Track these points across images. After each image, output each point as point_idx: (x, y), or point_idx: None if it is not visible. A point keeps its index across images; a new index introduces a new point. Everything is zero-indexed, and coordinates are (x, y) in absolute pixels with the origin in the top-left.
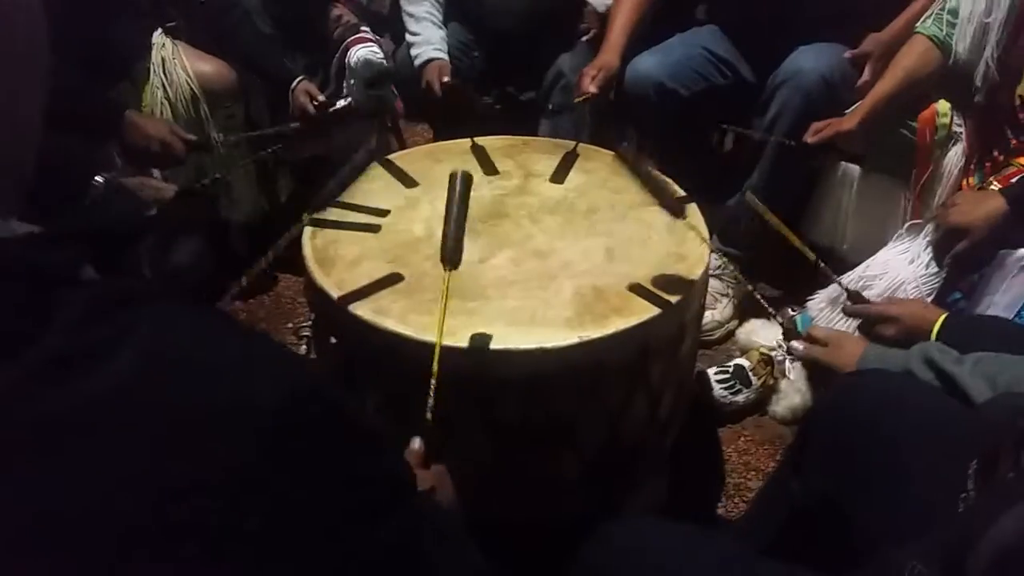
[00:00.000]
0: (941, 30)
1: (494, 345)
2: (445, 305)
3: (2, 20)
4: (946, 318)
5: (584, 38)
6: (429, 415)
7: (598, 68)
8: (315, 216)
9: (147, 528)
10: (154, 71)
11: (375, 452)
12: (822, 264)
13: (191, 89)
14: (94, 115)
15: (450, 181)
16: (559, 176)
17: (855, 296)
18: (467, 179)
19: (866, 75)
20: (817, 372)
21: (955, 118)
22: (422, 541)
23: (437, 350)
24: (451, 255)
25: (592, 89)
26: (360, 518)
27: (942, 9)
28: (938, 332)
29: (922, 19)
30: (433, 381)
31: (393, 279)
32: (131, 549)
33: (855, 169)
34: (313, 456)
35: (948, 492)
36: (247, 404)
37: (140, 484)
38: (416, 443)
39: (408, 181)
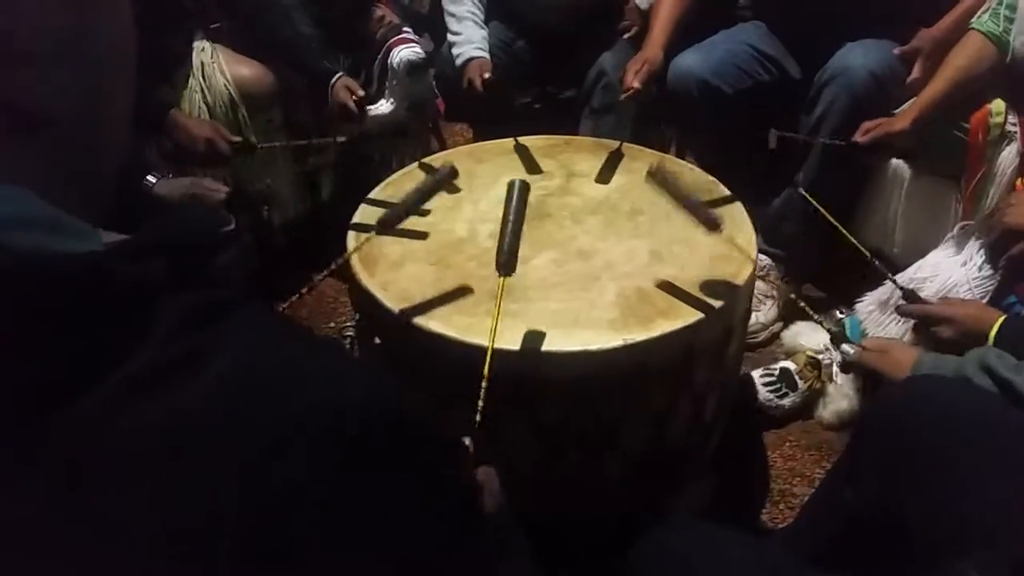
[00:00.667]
0: (998, 25)
1: (537, 347)
2: (499, 311)
3: (103, 24)
4: (1004, 321)
5: (626, 36)
6: (478, 416)
7: (642, 63)
8: (359, 222)
9: (244, 532)
10: (193, 75)
11: (454, 461)
12: (875, 261)
13: (229, 94)
14: (145, 115)
15: (508, 189)
16: (604, 176)
17: (910, 295)
18: (524, 188)
19: (916, 72)
20: (868, 380)
21: (1010, 117)
22: (489, 547)
23: (489, 354)
24: (506, 261)
25: (636, 84)
26: (439, 523)
27: (999, 4)
28: (996, 335)
29: (977, 15)
30: (484, 383)
31: (462, 292)
32: (230, 553)
33: (905, 170)
34: (396, 464)
35: (1007, 512)
36: (338, 412)
37: (235, 491)
38: (465, 444)
39: (451, 184)
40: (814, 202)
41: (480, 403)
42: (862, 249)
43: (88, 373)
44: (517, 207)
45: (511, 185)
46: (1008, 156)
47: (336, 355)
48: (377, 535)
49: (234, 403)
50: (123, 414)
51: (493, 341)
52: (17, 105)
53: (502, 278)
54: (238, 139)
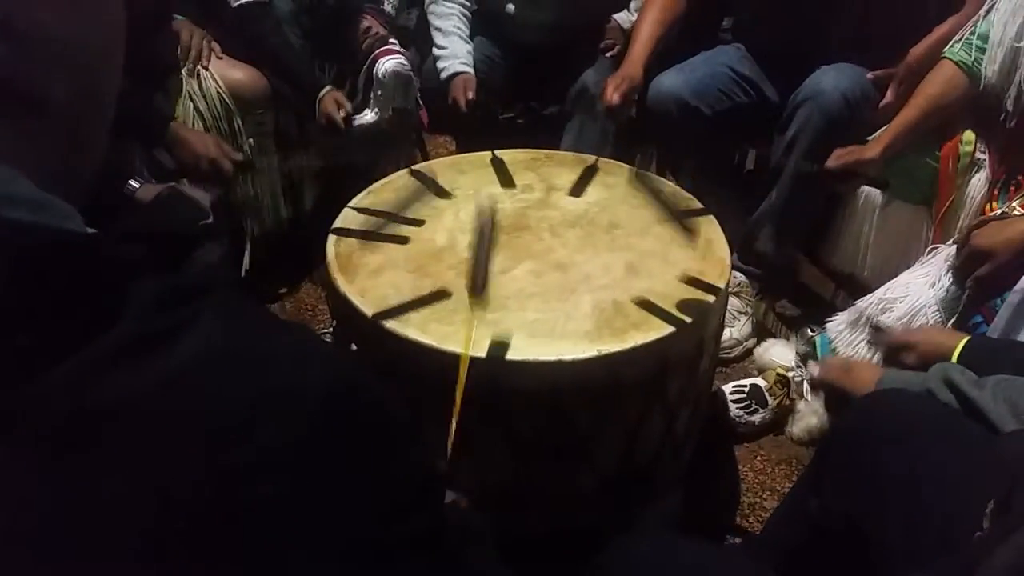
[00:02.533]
0: (970, 55)
1: (513, 356)
2: (471, 334)
3: (97, 16)
4: (967, 341)
5: (608, 54)
6: (453, 424)
7: (621, 79)
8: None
9: (206, 503)
10: (186, 82)
11: (415, 444)
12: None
13: (222, 100)
14: (145, 128)
15: (478, 210)
16: (578, 189)
17: (877, 328)
18: (491, 214)
19: (889, 96)
20: (832, 397)
21: (979, 146)
22: (452, 537)
23: (464, 363)
24: (479, 284)
25: (615, 98)
26: (399, 507)
27: (971, 34)
28: (959, 355)
29: (950, 44)
30: (459, 393)
31: (437, 296)
32: (191, 522)
33: (877, 195)
34: (359, 443)
35: (964, 523)
36: (299, 389)
37: (200, 462)
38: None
39: (435, 190)
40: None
41: (455, 411)
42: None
43: (59, 347)
44: (487, 239)
45: (481, 212)
46: (977, 183)
47: (304, 338)
48: (336, 514)
49: (200, 381)
50: (90, 390)
51: (466, 361)
52: (14, 85)
53: (473, 299)
54: (240, 156)
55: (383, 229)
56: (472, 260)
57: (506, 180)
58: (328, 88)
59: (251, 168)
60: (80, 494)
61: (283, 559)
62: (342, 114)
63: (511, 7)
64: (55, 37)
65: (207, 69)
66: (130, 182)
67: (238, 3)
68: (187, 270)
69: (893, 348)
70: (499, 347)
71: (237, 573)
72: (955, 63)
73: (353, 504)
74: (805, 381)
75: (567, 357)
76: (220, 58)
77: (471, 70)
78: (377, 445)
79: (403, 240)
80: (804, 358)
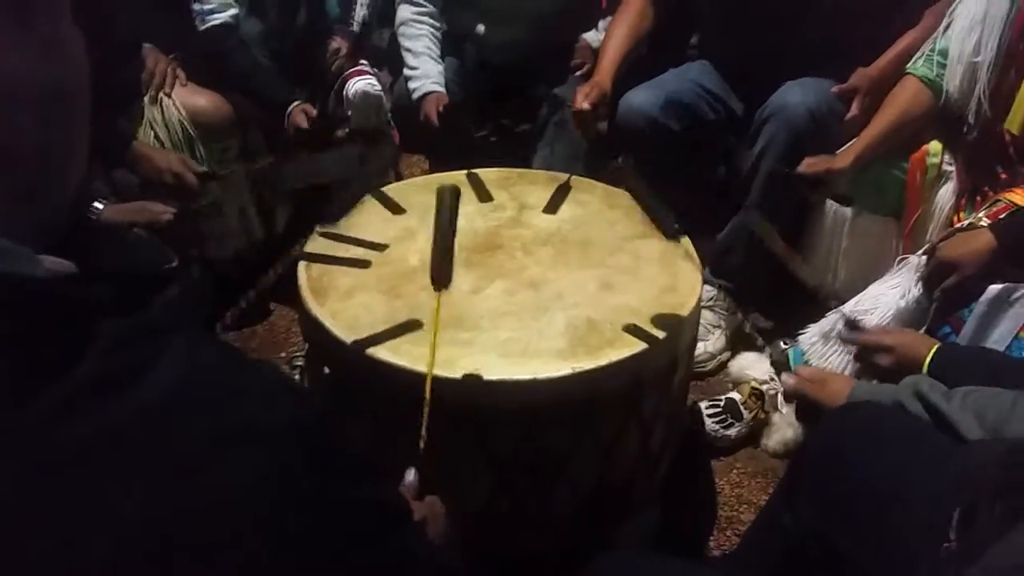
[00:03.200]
0: (932, 71)
1: (488, 376)
2: (436, 329)
3: (65, 57)
4: (938, 349)
5: (578, 73)
6: (422, 444)
7: (591, 86)
8: (309, 252)
9: (176, 542)
10: (147, 110)
11: (372, 480)
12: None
13: (183, 126)
14: (106, 150)
15: (438, 196)
16: (552, 207)
17: (851, 324)
18: (455, 194)
19: (854, 109)
20: (805, 408)
21: (946, 157)
22: (415, 569)
23: (428, 379)
24: (440, 276)
25: (585, 105)
26: (357, 541)
27: (932, 50)
28: (930, 362)
29: (913, 60)
30: (426, 410)
31: (411, 326)
32: (160, 562)
33: (847, 210)
34: (318, 478)
35: (932, 535)
36: (260, 426)
37: (167, 494)
38: (411, 475)
39: (405, 214)
40: (767, 228)
41: (423, 431)
42: (806, 278)
43: (27, 385)
44: (449, 215)
45: (440, 191)
46: (945, 194)
47: (268, 373)
48: (294, 545)
49: (166, 416)
50: (58, 425)
51: (432, 365)
52: None
53: (438, 293)
54: (204, 168)
55: (353, 252)
56: (434, 249)
57: (483, 195)
58: (297, 102)
59: (212, 178)
60: (48, 520)
61: None
62: (306, 118)
63: (481, 28)
64: (27, 83)
65: (169, 96)
66: (94, 204)
67: (206, 26)
68: (151, 309)
69: (868, 348)
70: (473, 367)
71: None
72: (918, 78)
73: (316, 537)
74: (779, 394)
75: (542, 376)
76: (184, 85)
77: (443, 89)
78: (336, 479)
79: (365, 262)
80: (778, 370)
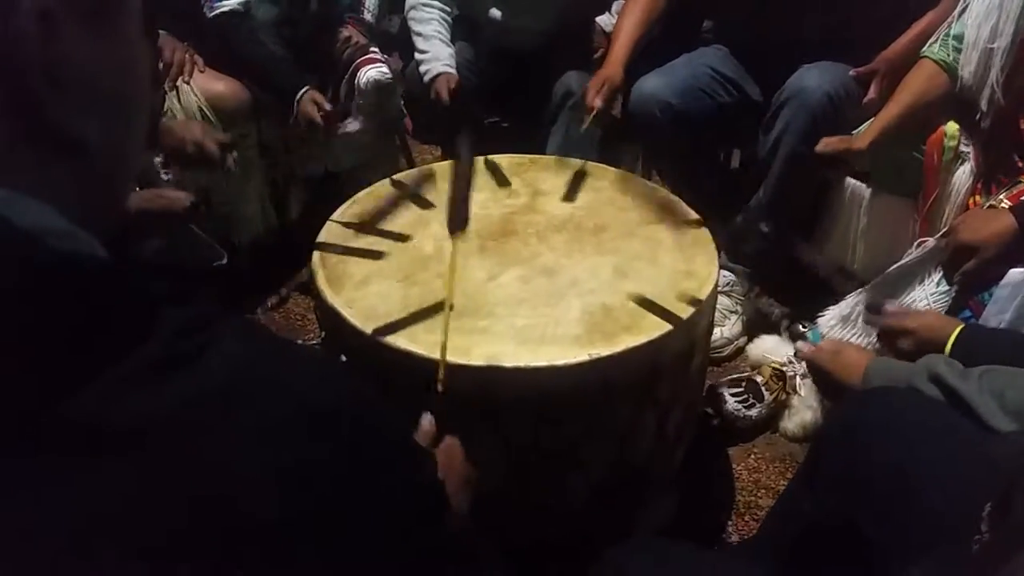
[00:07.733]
0: (948, 55)
1: (504, 363)
2: (453, 271)
3: (127, 59)
4: (961, 330)
5: (594, 56)
6: (440, 387)
7: (602, 82)
8: (323, 241)
9: (231, 515)
10: (166, 98)
11: (425, 461)
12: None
13: (203, 113)
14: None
15: (458, 142)
16: (569, 195)
17: (873, 307)
18: (475, 141)
19: (872, 92)
20: (821, 381)
21: (963, 139)
22: (459, 552)
23: (444, 329)
24: (456, 222)
25: (598, 103)
26: (417, 522)
27: (947, 34)
28: (953, 344)
29: (928, 43)
30: (442, 352)
31: (427, 313)
32: (218, 542)
33: (864, 189)
34: (377, 460)
35: (960, 522)
36: (317, 408)
37: (227, 476)
38: (426, 420)
39: (419, 201)
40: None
41: (440, 374)
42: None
43: (90, 367)
44: (467, 161)
45: (459, 140)
46: (962, 176)
47: (319, 359)
48: (357, 529)
49: (224, 400)
50: (118, 406)
51: (449, 309)
52: (58, 128)
53: (455, 237)
54: (226, 137)
55: (368, 240)
56: (451, 193)
57: (501, 181)
58: (306, 89)
59: (235, 147)
60: (108, 504)
61: (302, 571)
62: (321, 113)
63: (496, 12)
64: (95, 85)
65: (188, 83)
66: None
67: (214, 13)
68: (201, 300)
69: (889, 332)
70: (489, 354)
71: None
72: (934, 61)
73: (372, 519)
74: (798, 376)
75: (558, 362)
76: (202, 71)
77: (454, 71)
78: (394, 461)
79: (379, 252)
80: (793, 337)
